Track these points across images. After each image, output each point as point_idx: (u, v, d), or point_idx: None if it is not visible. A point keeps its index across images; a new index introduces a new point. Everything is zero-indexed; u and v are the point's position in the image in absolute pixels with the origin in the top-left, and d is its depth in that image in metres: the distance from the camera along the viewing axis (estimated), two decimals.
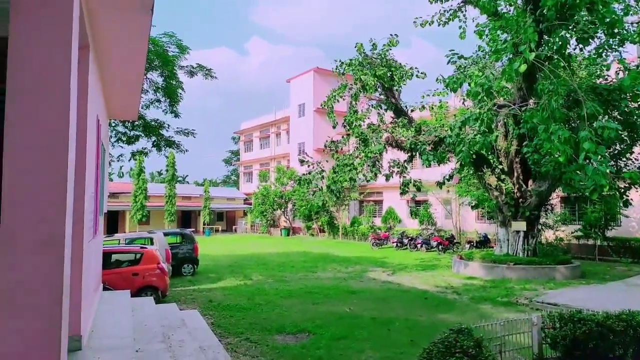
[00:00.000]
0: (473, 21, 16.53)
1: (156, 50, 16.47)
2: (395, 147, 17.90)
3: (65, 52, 3.01)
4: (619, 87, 13.45)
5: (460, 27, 15.79)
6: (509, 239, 16.78)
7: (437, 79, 15.42)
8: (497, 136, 15.68)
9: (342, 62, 18.32)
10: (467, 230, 27.51)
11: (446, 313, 10.26)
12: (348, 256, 22.40)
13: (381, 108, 18.94)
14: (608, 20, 12.00)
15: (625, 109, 14.30)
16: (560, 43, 12.07)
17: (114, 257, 11.40)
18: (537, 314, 7.05)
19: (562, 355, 5.95)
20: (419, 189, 18.66)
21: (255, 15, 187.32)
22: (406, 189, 18.28)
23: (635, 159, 16.09)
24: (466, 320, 7.94)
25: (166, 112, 18.89)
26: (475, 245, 23.52)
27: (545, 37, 12.89)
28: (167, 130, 19.57)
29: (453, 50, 15.19)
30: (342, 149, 19.29)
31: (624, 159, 16.00)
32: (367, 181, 19.46)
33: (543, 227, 20.70)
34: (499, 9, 14.58)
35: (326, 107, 18.41)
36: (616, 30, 12.89)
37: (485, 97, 12.51)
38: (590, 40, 13.07)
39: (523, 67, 10.37)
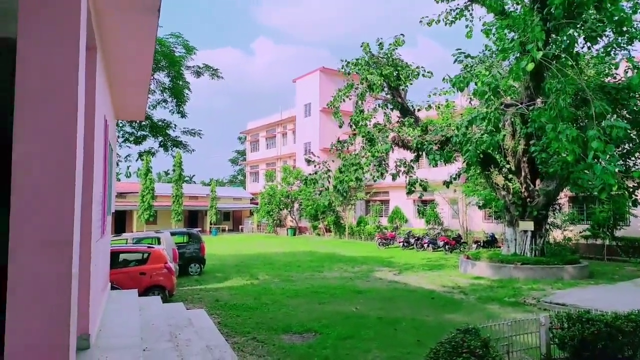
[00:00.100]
0: (480, 20, 16.46)
1: (163, 50, 16.56)
2: (401, 146, 17.87)
3: (73, 53, 3.04)
4: (628, 86, 13.33)
5: (467, 27, 15.72)
6: (516, 238, 16.69)
7: (443, 79, 15.36)
8: (504, 135, 15.60)
9: (349, 62, 18.32)
10: (474, 230, 27.39)
11: (453, 313, 10.22)
12: (354, 256, 22.39)
13: (387, 107, 18.91)
14: (616, 18, 11.90)
15: (634, 108, 14.19)
16: (568, 42, 11.97)
17: (122, 256, 11.47)
18: (544, 314, 7.00)
19: (571, 355, 5.91)
20: (425, 189, 18.60)
21: (260, 15, 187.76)
22: (412, 189, 18.24)
23: None
24: (473, 321, 7.89)
25: (173, 113, 18.99)
26: (482, 245, 23.42)
27: (553, 35, 12.80)
28: (173, 131, 19.68)
29: (460, 49, 15.13)
30: (348, 148, 19.27)
31: (633, 158, 15.84)
32: (374, 181, 19.43)
33: (551, 226, 20.58)
34: (506, 7, 14.50)
35: (332, 107, 18.41)
36: (625, 29, 12.78)
37: (492, 96, 12.44)
38: (599, 38, 12.94)
39: (530, 66, 10.30)
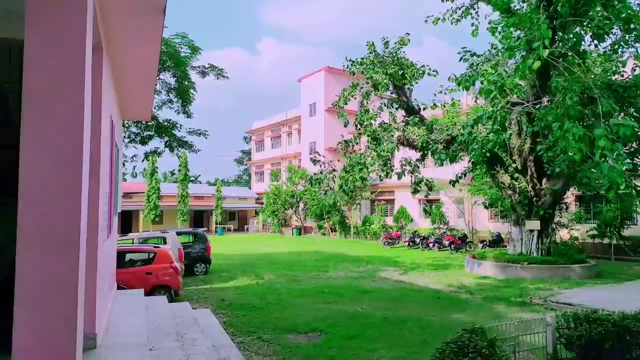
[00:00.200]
0: (485, 18, 16.35)
1: (168, 51, 16.63)
2: (407, 145, 17.83)
3: (79, 54, 3.05)
4: (635, 84, 13.22)
5: (472, 25, 15.63)
6: (522, 238, 16.60)
7: (449, 78, 15.31)
8: (510, 134, 15.53)
9: (354, 61, 18.30)
10: (480, 229, 27.28)
11: (459, 313, 10.19)
12: (360, 255, 22.36)
13: (393, 107, 18.86)
14: (624, 15, 11.78)
15: None
16: (574, 39, 11.91)
17: (128, 256, 11.52)
18: (551, 313, 6.96)
19: (577, 356, 5.87)
20: (430, 188, 18.55)
21: (266, 15, 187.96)
22: (418, 188, 18.18)
23: None
24: (479, 320, 7.88)
25: (179, 113, 19.09)
26: (488, 244, 23.30)
27: (560, 33, 12.72)
28: (179, 131, 19.79)
29: (465, 47, 15.06)
30: (353, 148, 19.25)
31: None
32: (380, 180, 19.40)
33: (557, 226, 20.45)
34: (512, 5, 14.42)
35: (337, 107, 18.39)
36: (632, 26, 12.63)
37: (498, 95, 12.36)
38: (606, 36, 12.82)
39: (537, 64, 10.22)
